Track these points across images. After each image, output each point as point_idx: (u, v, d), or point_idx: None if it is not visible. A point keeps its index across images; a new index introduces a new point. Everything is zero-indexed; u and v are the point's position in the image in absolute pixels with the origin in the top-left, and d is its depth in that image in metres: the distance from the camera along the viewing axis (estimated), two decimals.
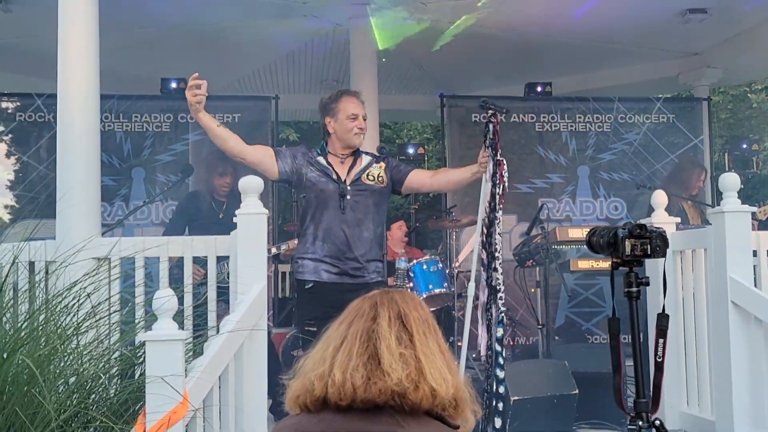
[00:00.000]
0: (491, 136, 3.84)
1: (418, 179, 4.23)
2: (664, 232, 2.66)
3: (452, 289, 6.34)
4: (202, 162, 6.14)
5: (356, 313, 1.87)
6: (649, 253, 2.63)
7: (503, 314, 3.66)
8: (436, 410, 1.77)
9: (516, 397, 4.29)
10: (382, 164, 4.22)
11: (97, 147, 4.24)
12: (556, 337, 6.75)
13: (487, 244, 3.76)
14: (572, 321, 7.49)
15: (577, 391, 4.49)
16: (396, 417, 1.73)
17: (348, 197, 4.05)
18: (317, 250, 4.01)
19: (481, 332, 3.77)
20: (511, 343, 7.09)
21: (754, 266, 4.38)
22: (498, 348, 3.63)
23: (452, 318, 6.44)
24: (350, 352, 1.78)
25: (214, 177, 5.95)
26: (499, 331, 3.62)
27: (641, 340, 2.71)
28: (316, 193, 4.08)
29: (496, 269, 3.71)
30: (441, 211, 7.51)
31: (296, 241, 5.98)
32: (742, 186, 7.78)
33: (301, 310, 4.15)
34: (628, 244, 2.62)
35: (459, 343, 4.34)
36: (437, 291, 6.31)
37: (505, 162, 3.82)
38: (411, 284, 6.43)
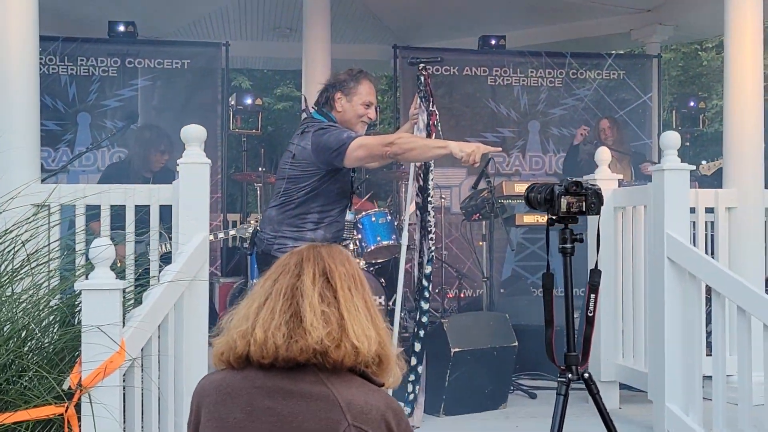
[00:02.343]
0: (423, 88, 3.92)
1: None
2: (600, 189, 2.71)
3: (400, 241, 6.37)
4: (140, 136, 5.94)
5: (282, 269, 1.85)
6: (584, 210, 2.68)
7: (433, 253, 3.92)
8: (360, 367, 1.78)
9: (456, 349, 4.35)
10: None
11: (36, 90, 4.12)
12: (502, 290, 6.85)
13: (424, 189, 3.93)
14: (518, 274, 7.60)
15: (516, 344, 4.58)
16: (319, 375, 1.74)
17: (353, 186, 3.98)
18: (317, 237, 3.79)
19: (415, 269, 4.03)
20: (459, 295, 7.19)
21: (694, 223, 4.49)
22: (425, 283, 3.90)
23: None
24: (273, 310, 1.77)
25: (153, 153, 5.75)
26: (428, 268, 3.89)
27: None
28: (335, 183, 3.80)
29: (429, 212, 3.91)
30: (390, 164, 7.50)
31: (256, 218, 5.91)
32: (688, 144, 7.94)
33: None
34: (564, 201, 2.67)
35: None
36: (385, 243, 6.34)
37: (437, 113, 3.91)
38: (359, 236, 6.46)
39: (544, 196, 2.69)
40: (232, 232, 5.99)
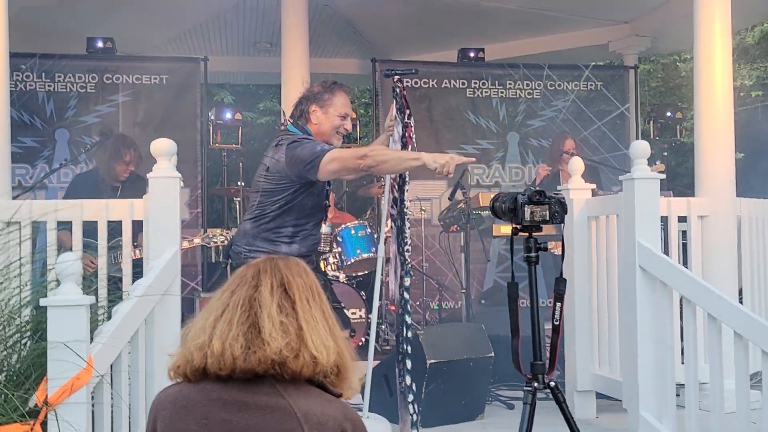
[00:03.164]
0: (399, 100, 3.89)
1: None
2: (563, 198, 2.72)
3: None
4: (106, 146, 5.91)
5: (239, 281, 1.85)
6: (548, 218, 2.69)
7: (409, 265, 3.85)
8: (318, 378, 1.78)
9: (432, 360, 4.35)
10: None
11: (5, 107, 4.11)
12: (483, 301, 6.85)
13: (399, 201, 3.88)
14: (500, 285, 7.60)
15: (492, 354, 4.57)
16: (276, 386, 1.74)
17: (328, 201, 3.99)
18: (292, 251, 3.74)
19: (392, 281, 3.93)
20: (440, 308, 7.19)
21: (667, 232, 4.51)
22: (407, 296, 3.83)
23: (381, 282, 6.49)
24: (230, 322, 1.77)
25: (117, 162, 5.73)
26: (407, 281, 3.82)
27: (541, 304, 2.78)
28: (310, 197, 3.80)
29: (405, 223, 3.85)
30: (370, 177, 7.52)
31: (232, 232, 5.89)
32: (666, 154, 7.99)
33: None
34: (527, 210, 2.68)
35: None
36: (365, 255, 6.36)
37: (413, 124, 3.89)
38: (339, 249, 6.47)
39: (508, 205, 2.71)
40: (196, 240, 5.97)
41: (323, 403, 1.75)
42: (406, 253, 3.83)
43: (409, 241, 3.85)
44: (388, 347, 6.38)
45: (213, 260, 8.77)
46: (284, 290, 1.81)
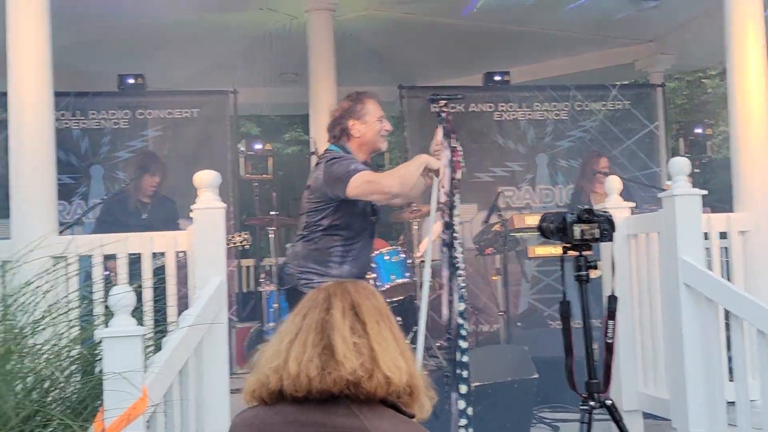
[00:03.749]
0: (445, 125, 3.89)
1: None
2: (611, 216, 2.73)
3: (414, 279, 6.39)
4: (134, 161, 6.09)
5: (310, 305, 1.89)
6: (597, 237, 2.70)
7: (464, 290, 3.80)
8: (391, 398, 1.79)
9: (476, 383, 4.33)
10: None
11: (51, 145, 4.19)
12: (519, 324, 6.83)
13: (449, 225, 3.86)
14: (534, 307, 7.58)
15: (537, 376, 4.56)
16: (351, 407, 1.76)
17: (374, 218, 3.98)
18: (343, 273, 3.81)
19: (445, 306, 3.86)
20: (475, 330, 7.17)
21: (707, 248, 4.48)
22: (461, 321, 3.77)
23: (415, 307, 6.49)
24: (304, 344, 1.80)
25: (143, 177, 5.88)
26: (461, 306, 3.77)
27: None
28: (357, 217, 3.85)
29: (455, 248, 3.82)
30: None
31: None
32: (698, 170, 7.96)
33: None
34: (576, 228, 2.69)
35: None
36: (400, 281, 6.36)
37: (459, 149, 3.88)
38: (374, 275, 6.48)
39: (557, 225, 2.72)
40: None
41: (398, 424, 1.77)
42: (459, 279, 3.79)
43: (463, 266, 3.81)
44: (425, 372, 6.36)
45: (245, 290, 8.83)
46: (355, 313, 1.84)
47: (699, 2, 7.42)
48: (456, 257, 3.82)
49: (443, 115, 3.89)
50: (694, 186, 4.05)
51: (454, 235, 3.85)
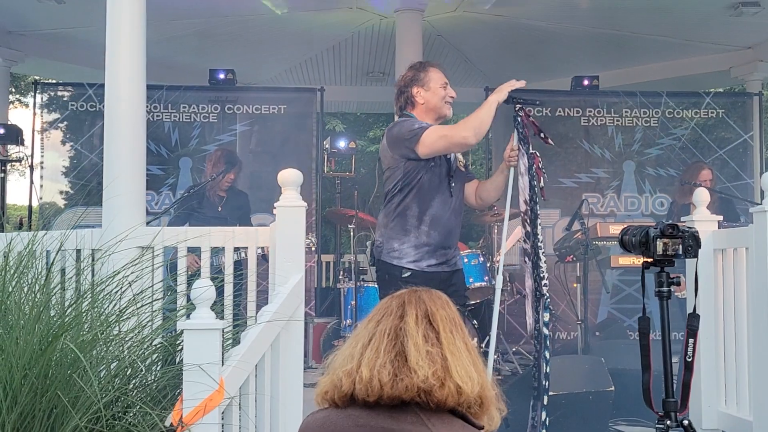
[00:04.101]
0: (521, 129, 3.81)
1: (472, 188, 4.05)
2: (697, 232, 2.65)
3: (493, 283, 6.34)
4: (213, 157, 6.30)
5: (384, 311, 1.91)
6: (680, 252, 2.62)
7: (549, 300, 3.75)
8: (461, 409, 1.80)
9: (551, 393, 4.28)
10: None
11: (143, 137, 4.33)
12: (597, 333, 6.71)
13: (532, 234, 3.80)
14: (614, 317, 7.44)
15: (613, 388, 4.48)
16: (420, 415, 1.77)
17: (453, 181, 3.89)
18: (421, 236, 3.80)
19: (529, 316, 3.82)
20: (552, 338, 7.08)
21: None
22: (546, 332, 3.73)
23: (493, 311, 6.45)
24: (378, 350, 1.82)
25: (229, 174, 6.09)
26: (546, 316, 3.72)
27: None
28: (428, 172, 3.81)
29: (540, 257, 3.76)
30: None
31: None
32: None
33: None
34: (659, 243, 2.62)
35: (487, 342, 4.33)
36: (477, 284, 6.32)
37: (538, 154, 3.80)
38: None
39: (639, 239, 2.66)
40: None
41: None
42: (544, 288, 3.73)
43: (546, 275, 3.74)
44: (499, 377, 6.32)
45: (324, 285, 8.94)
46: (429, 321, 1.85)
47: None
48: (541, 266, 3.76)
49: (519, 119, 3.82)
50: None
51: (539, 244, 3.79)
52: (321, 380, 1.88)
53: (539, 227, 3.81)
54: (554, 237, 7.25)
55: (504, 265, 5.89)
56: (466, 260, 6.46)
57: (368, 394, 1.77)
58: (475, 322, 6.34)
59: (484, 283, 6.28)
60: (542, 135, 3.84)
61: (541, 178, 3.81)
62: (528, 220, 3.83)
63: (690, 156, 7.77)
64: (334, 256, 8.75)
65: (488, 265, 6.41)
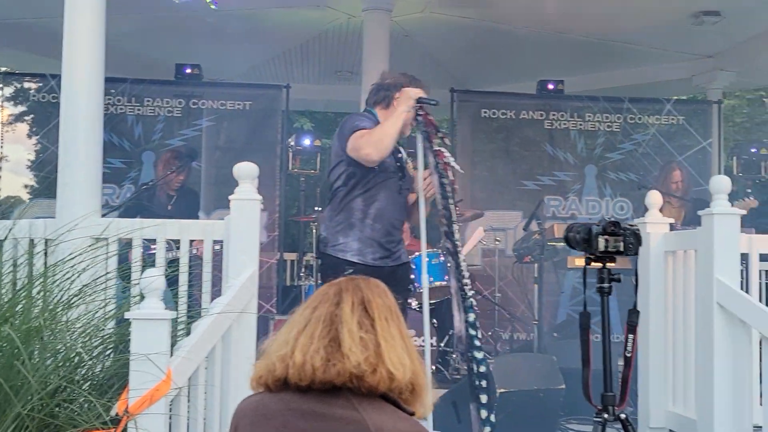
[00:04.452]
0: (423, 129, 3.79)
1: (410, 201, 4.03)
2: (638, 230, 2.71)
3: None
4: (161, 157, 6.36)
5: (321, 298, 1.93)
6: (621, 250, 2.68)
7: (472, 300, 3.74)
8: (392, 394, 1.83)
9: (502, 390, 4.34)
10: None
11: (99, 128, 4.29)
12: (555, 334, 6.78)
13: (450, 233, 3.80)
14: (573, 318, 7.51)
15: (564, 386, 4.54)
16: (352, 400, 1.79)
17: (402, 180, 3.91)
18: (365, 229, 3.83)
19: (456, 317, 3.80)
20: (511, 338, 7.15)
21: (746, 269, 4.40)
22: (472, 332, 3.72)
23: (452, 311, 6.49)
24: (312, 335, 1.84)
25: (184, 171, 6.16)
26: (471, 316, 3.73)
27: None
28: (377, 167, 3.80)
29: (459, 257, 3.78)
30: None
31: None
32: (750, 191, 7.79)
33: None
34: (601, 240, 2.68)
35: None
36: (437, 283, 6.35)
37: (443, 150, 3.76)
38: (412, 276, 6.49)
39: (582, 235, 2.71)
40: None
41: (396, 419, 1.79)
42: (466, 287, 3.74)
43: (467, 275, 3.74)
44: (458, 376, 6.36)
45: (288, 283, 8.92)
46: (364, 309, 1.88)
47: (762, 22, 7.28)
48: (461, 266, 3.76)
49: (420, 117, 3.79)
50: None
51: (455, 242, 3.78)
52: (256, 365, 1.91)
53: (455, 226, 3.79)
54: (516, 238, 7.31)
55: (468, 266, 5.93)
56: (426, 259, 6.49)
57: (301, 378, 1.79)
58: (434, 321, 6.38)
59: (443, 283, 6.31)
60: (439, 133, 3.81)
61: (449, 172, 3.78)
62: (443, 219, 3.80)
63: (651, 162, 7.88)
64: (298, 254, 8.74)
65: (448, 264, 6.44)
